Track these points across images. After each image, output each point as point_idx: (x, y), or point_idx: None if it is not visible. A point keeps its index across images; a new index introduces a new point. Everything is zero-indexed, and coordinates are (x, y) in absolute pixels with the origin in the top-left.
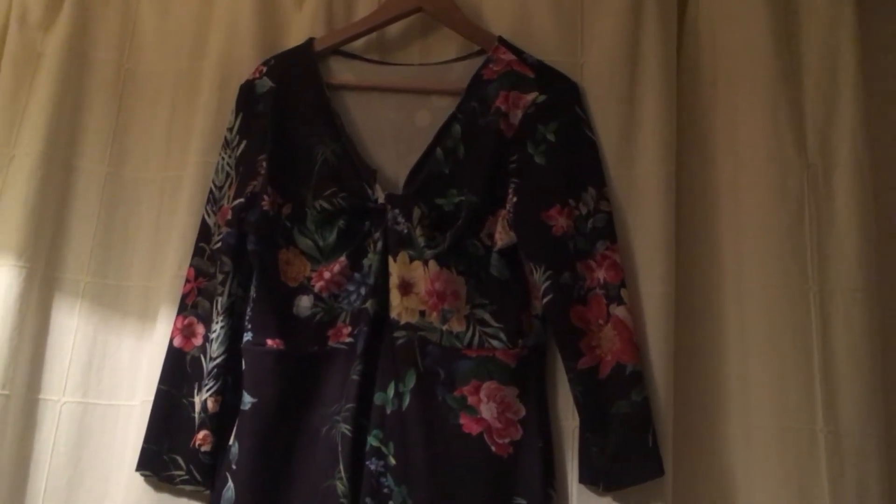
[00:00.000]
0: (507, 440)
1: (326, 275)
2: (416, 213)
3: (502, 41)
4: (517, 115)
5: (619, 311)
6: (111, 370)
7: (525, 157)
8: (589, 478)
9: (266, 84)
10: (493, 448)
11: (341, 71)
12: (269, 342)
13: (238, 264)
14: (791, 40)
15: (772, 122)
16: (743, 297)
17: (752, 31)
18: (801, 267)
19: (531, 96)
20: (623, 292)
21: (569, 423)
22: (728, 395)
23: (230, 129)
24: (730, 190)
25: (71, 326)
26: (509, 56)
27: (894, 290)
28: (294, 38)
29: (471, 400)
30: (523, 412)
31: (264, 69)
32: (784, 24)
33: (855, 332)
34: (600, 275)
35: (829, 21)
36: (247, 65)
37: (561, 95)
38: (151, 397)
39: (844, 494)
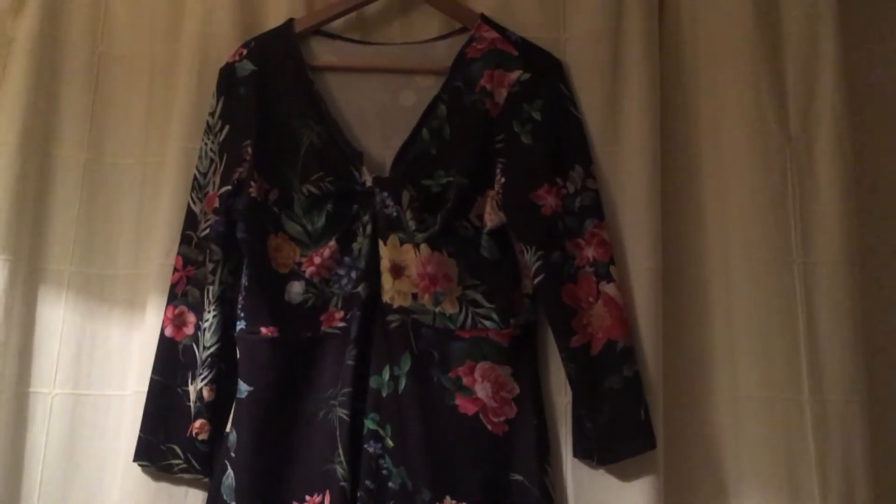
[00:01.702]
0: (502, 419)
1: (317, 259)
2: (405, 195)
3: (485, 19)
4: (502, 94)
5: (608, 289)
6: (101, 360)
7: (511, 137)
8: (583, 452)
9: (247, 67)
10: (489, 427)
11: (323, 52)
12: (264, 330)
13: (227, 252)
14: (771, 14)
15: (754, 97)
16: (729, 271)
17: (733, 5)
18: (784, 240)
19: (515, 74)
20: (612, 269)
21: (561, 398)
22: (716, 367)
23: (212, 114)
24: (714, 165)
25: (58, 317)
26: (492, 34)
27: (875, 261)
28: (272, 18)
29: (466, 380)
30: (517, 390)
31: (244, 51)
32: None
33: (838, 304)
34: (589, 253)
35: None
36: (225, 46)
37: (545, 73)
38: (144, 387)
39: (830, 460)
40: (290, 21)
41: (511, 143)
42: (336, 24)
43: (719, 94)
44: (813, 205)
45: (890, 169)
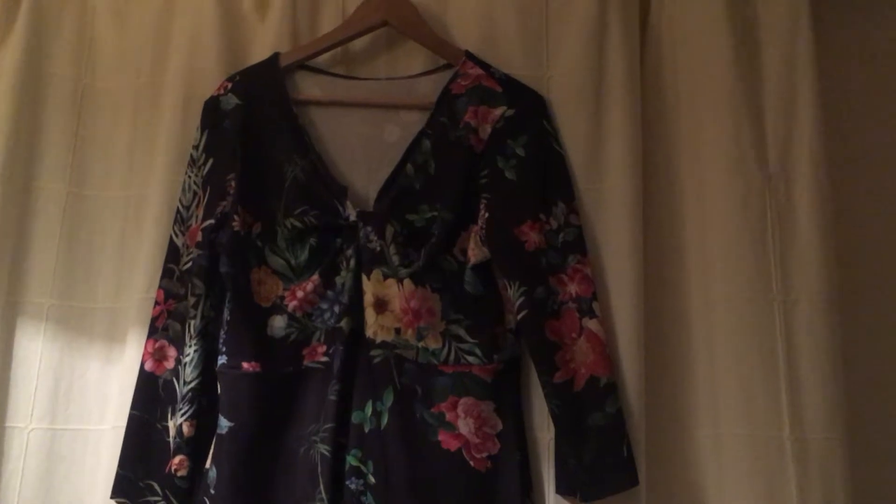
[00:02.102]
0: (485, 454)
1: (299, 293)
2: (389, 230)
3: (469, 55)
4: (486, 130)
5: (591, 325)
6: (79, 395)
7: (496, 172)
8: (566, 489)
9: (232, 101)
10: (472, 463)
11: (308, 86)
12: (246, 365)
13: (210, 286)
14: (751, 55)
15: (734, 136)
16: (710, 308)
17: (713, 45)
18: (765, 278)
19: (499, 111)
20: (595, 305)
21: (544, 435)
22: (698, 404)
23: (195, 147)
24: (695, 203)
25: (35, 351)
26: (477, 70)
27: (854, 299)
28: (258, 52)
29: (449, 416)
30: (500, 426)
31: (229, 85)
32: (743, 38)
33: (818, 341)
34: (572, 288)
35: (787, 35)
36: (210, 79)
37: (529, 110)
38: (123, 422)
39: (811, 497)
40: (276, 55)
41: (495, 178)
42: (321, 59)
43: (700, 133)
44: (792, 243)
45: (868, 205)
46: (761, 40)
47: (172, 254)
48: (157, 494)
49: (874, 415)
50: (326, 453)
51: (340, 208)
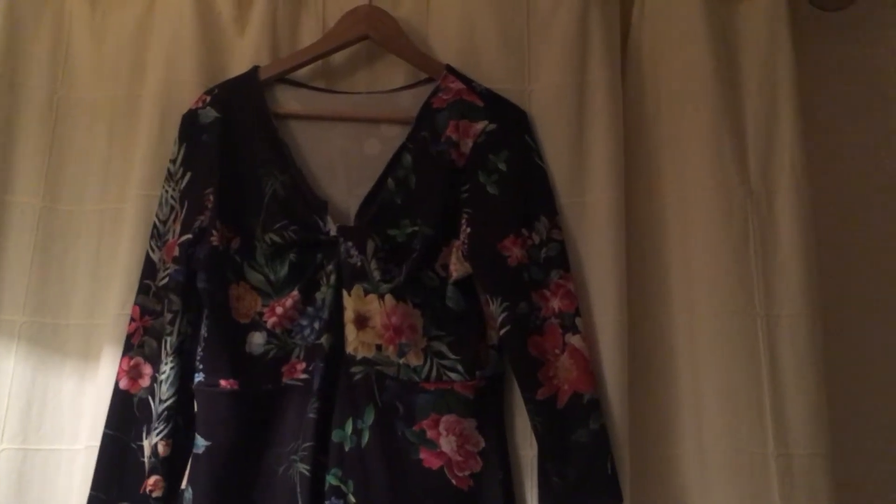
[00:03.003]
0: (467, 473)
1: (279, 310)
2: (370, 245)
3: (451, 69)
4: (468, 144)
5: (574, 340)
6: (52, 414)
7: (477, 187)
8: None
9: (210, 114)
10: (454, 482)
11: (288, 100)
12: (223, 382)
13: (187, 302)
14: (731, 68)
15: (715, 150)
16: (693, 324)
17: (693, 60)
18: (747, 293)
19: (481, 125)
20: (578, 321)
21: (527, 452)
22: (681, 420)
23: (173, 161)
24: (677, 217)
25: (7, 369)
26: (458, 85)
27: (837, 313)
28: (237, 65)
29: (430, 434)
30: (483, 444)
31: (208, 98)
32: (724, 53)
33: (801, 355)
34: (555, 304)
35: (767, 49)
36: (188, 93)
37: (510, 124)
38: (96, 442)
39: None
40: (255, 68)
41: (477, 193)
42: (301, 73)
43: (681, 147)
44: (775, 257)
45: (850, 219)
46: (741, 55)
47: (149, 269)
48: None
49: (859, 430)
50: (306, 472)
51: (321, 223)
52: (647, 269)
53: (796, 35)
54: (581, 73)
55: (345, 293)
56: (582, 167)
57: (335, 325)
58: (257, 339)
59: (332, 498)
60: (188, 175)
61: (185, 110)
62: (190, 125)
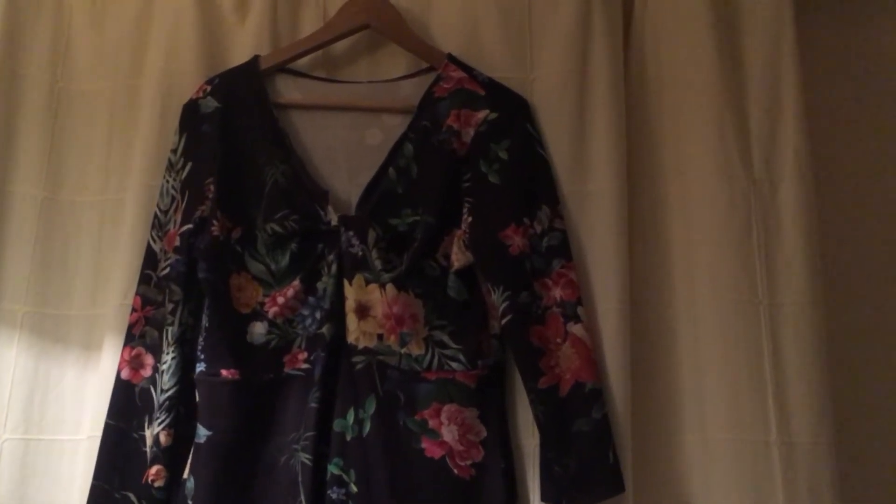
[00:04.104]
0: (468, 462)
1: (280, 299)
2: (371, 235)
3: (452, 58)
4: (469, 133)
5: (576, 329)
6: (54, 404)
7: (479, 176)
8: (551, 496)
9: (211, 104)
10: (456, 471)
11: (288, 89)
12: (224, 372)
13: (188, 292)
14: (734, 56)
15: (718, 138)
16: (695, 312)
17: (696, 48)
18: (750, 281)
19: (482, 114)
20: (580, 310)
21: (529, 441)
22: (684, 408)
23: (174, 151)
24: (679, 205)
25: (9, 359)
26: (460, 73)
27: (840, 301)
28: (237, 54)
29: (432, 423)
30: (484, 433)
31: (208, 88)
32: (727, 40)
33: (804, 344)
34: (557, 293)
35: (771, 37)
36: (188, 82)
37: (512, 113)
38: (99, 432)
39: (798, 502)
40: (256, 58)
41: (478, 182)
42: (302, 62)
43: (684, 136)
44: (777, 246)
45: (854, 208)
46: (745, 43)
47: (150, 259)
48: None
49: (861, 418)
50: (307, 462)
51: (321, 213)
52: (650, 259)
53: (800, 22)
54: (583, 61)
55: (346, 283)
56: (584, 156)
57: (336, 314)
58: (258, 329)
59: (334, 487)
60: (189, 165)
61: (185, 100)
62: (190, 115)
